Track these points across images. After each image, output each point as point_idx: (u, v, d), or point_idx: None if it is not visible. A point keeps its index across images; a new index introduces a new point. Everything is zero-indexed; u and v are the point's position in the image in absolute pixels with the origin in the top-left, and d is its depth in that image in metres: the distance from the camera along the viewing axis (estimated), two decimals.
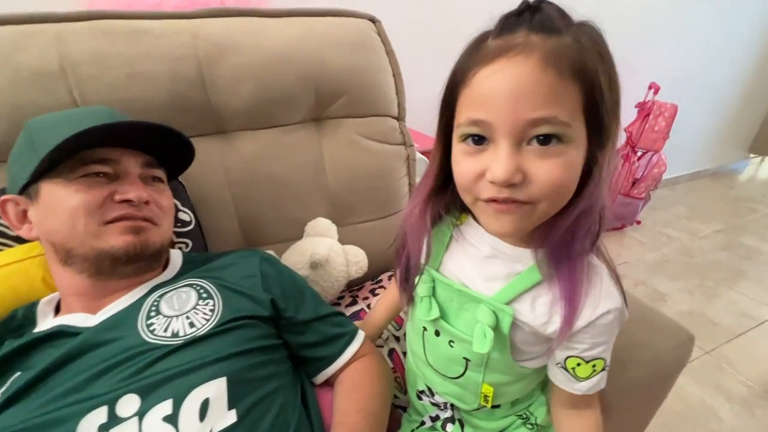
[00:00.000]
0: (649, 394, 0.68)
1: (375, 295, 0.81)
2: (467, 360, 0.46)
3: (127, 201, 0.47)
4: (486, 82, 0.33)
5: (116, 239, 0.46)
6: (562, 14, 0.33)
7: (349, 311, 0.77)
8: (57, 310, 0.51)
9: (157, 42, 0.66)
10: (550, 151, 0.32)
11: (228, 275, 0.54)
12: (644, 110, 1.96)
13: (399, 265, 0.49)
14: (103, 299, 0.49)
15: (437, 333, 0.48)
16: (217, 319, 0.47)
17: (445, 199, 0.45)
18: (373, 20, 0.84)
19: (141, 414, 0.38)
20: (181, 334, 0.45)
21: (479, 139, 0.35)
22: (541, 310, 0.41)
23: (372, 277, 0.86)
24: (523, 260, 0.41)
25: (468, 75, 0.34)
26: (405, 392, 0.63)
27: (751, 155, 3.17)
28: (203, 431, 0.38)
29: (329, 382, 0.57)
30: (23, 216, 0.49)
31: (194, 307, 0.47)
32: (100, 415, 0.38)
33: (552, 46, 0.31)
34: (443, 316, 0.47)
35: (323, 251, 0.72)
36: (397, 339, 0.71)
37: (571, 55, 0.31)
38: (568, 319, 0.39)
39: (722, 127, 2.77)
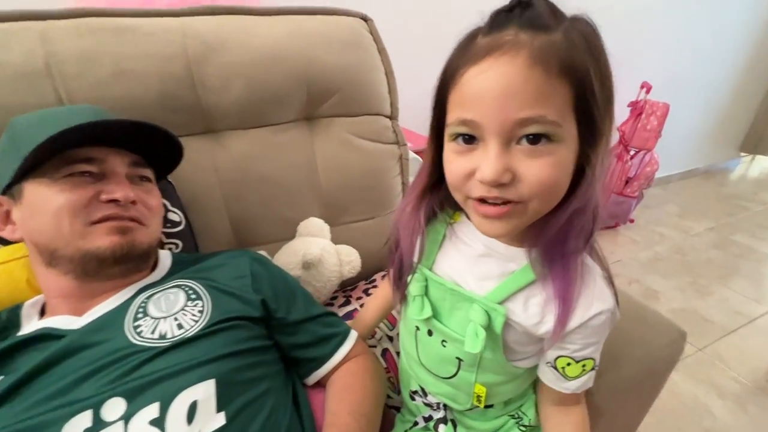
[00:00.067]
0: (642, 391, 0.68)
1: (368, 295, 0.81)
2: (460, 360, 0.45)
3: (114, 201, 0.46)
4: (474, 82, 0.33)
5: (102, 240, 0.45)
6: (553, 10, 0.32)
7: (342, 311, 0.76)
8: (42, 313, 0.50)
9: (146, 40, 0.65)
10: (539, 150, 0.32)
11: (218, 276, 0.53)
12: (637, 109, 1.97)
13: (392, 263, 0.49)
14: (89, 301, 0.48)
15: (430, 332, 0.47)
16: (206, 320, 0.46)
17: (440, 197, 0.45)
18: (364, 18, 0.83)
19: (127, 418, 0.37)
20: (168, 335, 0.44)
21: (469, 139, 0.35)
22: (533, 310, 0.41)
23: (365, 276, 0.86)
24: (517, 259, 0.41)
25: (457, 74, 0.34)
26: (398, 392, 0.62)
27: (742, 154, 3.19)
28: None
29: (321, 383, 0.56)
30: (6, 217, 0.48)
31: (182, 309, 0.47)
32: (84, 419, 0.37)
33: (540, 43, 0.31)
34: (436, 315, 0.46)
35: (316, 251, 0.71)
36: (391, 339, 0.70)
37: (559, 53, 0.31)
38: (562, 318, 0.38)
39: (713, 126, 2.79)
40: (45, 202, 0.45)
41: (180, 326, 0.45)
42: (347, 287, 0.85)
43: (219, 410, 0.40)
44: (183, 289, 0.49)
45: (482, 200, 0.35)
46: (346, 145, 0.82)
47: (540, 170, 0.32)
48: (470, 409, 0.50)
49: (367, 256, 0.80)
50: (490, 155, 0.33)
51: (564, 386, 0.44)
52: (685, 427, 1.14)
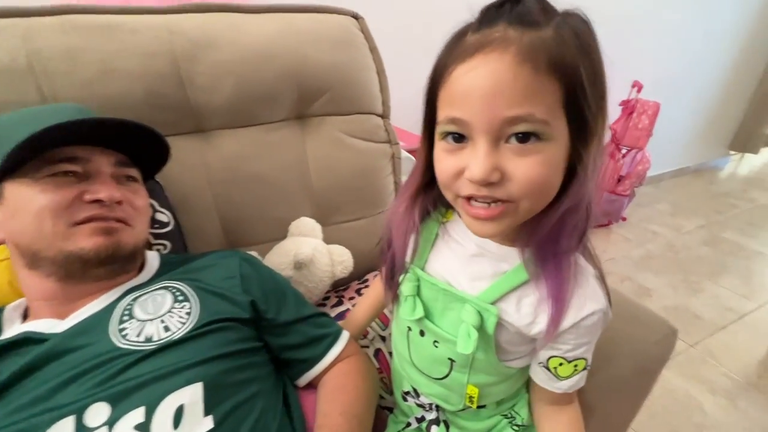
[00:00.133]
0: (635, 387, 0.69)
1: (361, 295, 0.80)
2: (452, 360, 0.45)
3: (98, 201, 0.45)
4: (463, 80, 0.32)
5: (86, 241, 0.44)
6: (544, 6, 0.32)
7: (334, 312, 0.76)
8: (25, 317, 0.49)
9: (132, 37, 0.63)
10: (528, 149, 0.32)
11: (206, 277, 0.52)
12: (628, 108, 1.99)
13: (384, 263, 0.49)
14: (73, 304, 0.46)
15: (422, 333, 0.47)
16: (193, 322, 0.45)
17: (433, 196, 0.44)
18: (356, 17, 0.83)
19: (111, 423, 0.36)
20: (155, 338, 0.43)
21: (459, 137, 0.34)
22: (526, 310, 0.40)
23: (358, 277, 0.85)
24: (510, 259, 0.41)
25: (446, 72, 0.33)
26: (391, 393, 0.62)
27: (732, 152, 3.23)
28: None
29: (313, 384, 0.55)
30: None
31: (169, 311, 0.46)
32: (67, 425, 0.36)
33: (529, 40, 0.30)
34: (428, 315, 0.46)
35: (307, 251, 0.70)
36: (383, 339, 0.70)
37: (549, 50, 0.30)
38: (555, 318, 0.38)
39: (703, 125, 2.82)
40: (26, 203, 0.43)
41: (167, 328, 0.44)
42: (339, 287, 0.84)
43: (207, 414, 0.39)
44: (170, 290, 0.48)
45: (472, 199, 0.35)
46: (338, 144, 0.82)
47: (529, 169, 0.32)
48: (463, 410, 0.50)
49: (360, 255, 0.79)
50: (479, 154, 0.32)
51: (556, 386, 0.44)
52: (677, 423, 1.15)
